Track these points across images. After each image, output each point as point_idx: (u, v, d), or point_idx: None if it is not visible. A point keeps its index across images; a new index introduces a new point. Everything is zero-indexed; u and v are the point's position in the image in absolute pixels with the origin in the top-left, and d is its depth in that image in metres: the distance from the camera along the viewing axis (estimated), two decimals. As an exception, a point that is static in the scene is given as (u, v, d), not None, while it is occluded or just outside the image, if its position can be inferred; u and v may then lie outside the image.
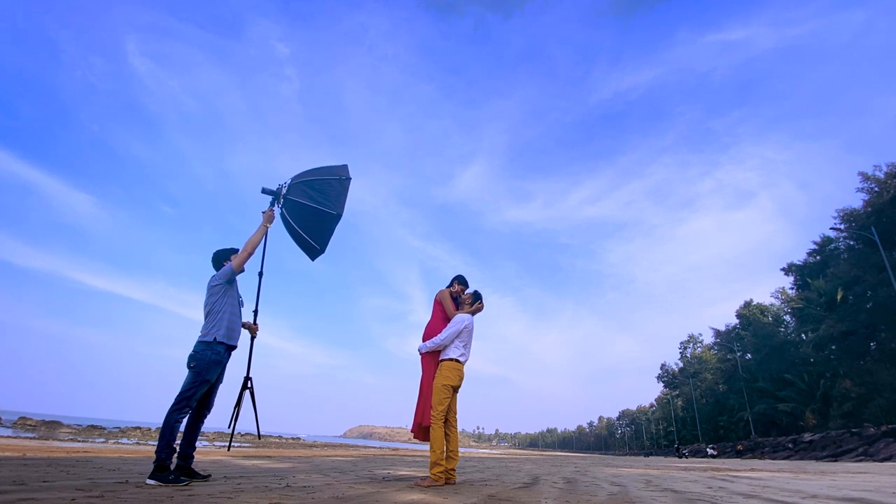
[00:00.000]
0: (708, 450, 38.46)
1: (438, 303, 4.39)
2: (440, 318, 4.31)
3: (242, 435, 38.66)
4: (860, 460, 19.67)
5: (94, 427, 28.51)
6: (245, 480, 3.68)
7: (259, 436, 4.44)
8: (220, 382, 3.64)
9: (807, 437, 29.99)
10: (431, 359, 4.18)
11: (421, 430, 4.12)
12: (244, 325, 3.80)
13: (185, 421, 3.40)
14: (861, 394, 33.23)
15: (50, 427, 27.04)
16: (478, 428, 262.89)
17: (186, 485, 3.10)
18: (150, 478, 3.08)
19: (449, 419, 3.99)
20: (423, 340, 4.25)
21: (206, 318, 3.56)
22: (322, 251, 4.35)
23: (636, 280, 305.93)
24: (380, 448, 34.08)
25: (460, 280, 4.46)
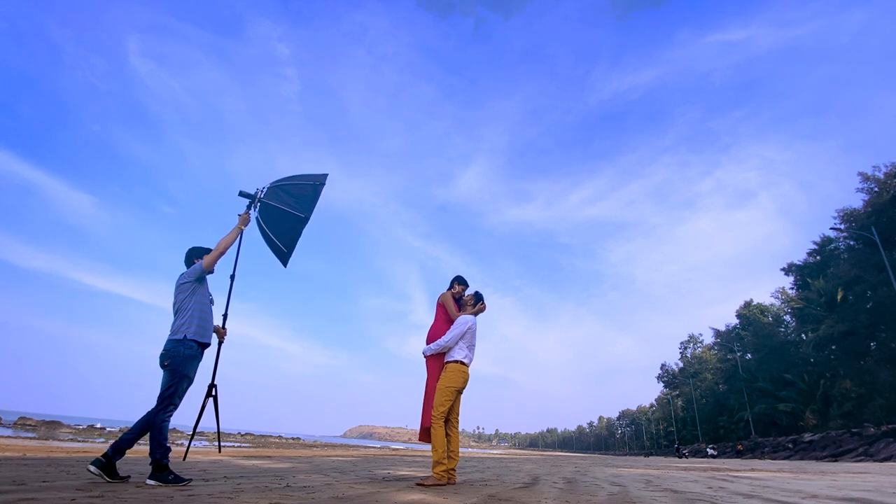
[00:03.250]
0: (708, 450, 38.47)
1: (441, 305, 4.39)
2: (443, 320, 4.32)
3: (242, 435, 38.69)
4: (860, 460, 19.67)
5: (93, 427, 28.52)
6: (245, 480, 3.68)
7: (220, 448, 4.33)
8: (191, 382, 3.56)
9: (807, 437, 30.00)
10: (436, 361, 4.18)
11: (426, 434, 4.12)
12: (214, 329, 3.70)
13: (143, 417, 3.26)
14: (861, 394, 33.23)
15: (50, 427, 27.05)
16: (478, 428, 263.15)
17: (185, 484, 3.08)
18: (150, 478, 3.07)
19: (451, 419, 4.00)
20: (427, 344, 4.25)
21: (175, 315, 3.48)
22: (289, 254, 4.32)
23: (636, 280, 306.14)
24: (380, 448, 34.09)
25: (460, 280, 4.48)
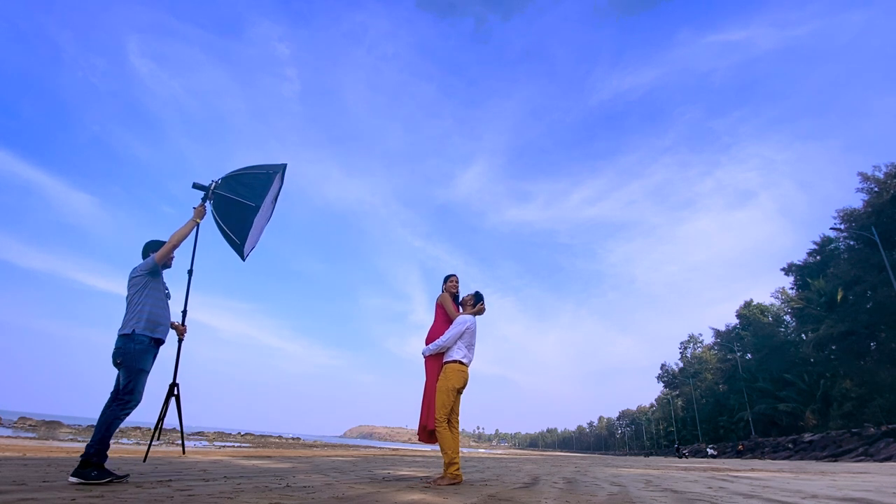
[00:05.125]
0: (708, 450, 38.49)
1: (440, 306, 4.40)
2: (442, 321, 4.33)
3: (242, 435, 38.69)
4: (860, 460, 19.68)
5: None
6: (245, 480, 3.68)
7: (184, 450, 4.22)
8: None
9: (807, 437, 30.01)
10: (435, 362, 4.19)
11: (425, 434, 4.12)
12: (172, 326, 3.58)
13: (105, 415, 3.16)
14: (861, 394, 33.24)
15: (50, 427, 27.05)
16: (478, 428, 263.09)
17: (110, 482, 2.93)
18: (72, 475, 2.91)
19: (451, 420, 3.99)
20: (427, 344, 4.26)
21: (126, 310, 3.36)
22: (242, 245, 4.08)
23: (636, 280, 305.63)
24: (380, 448, 34.09)
25: (447, 278, 4.53)
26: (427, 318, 4.45)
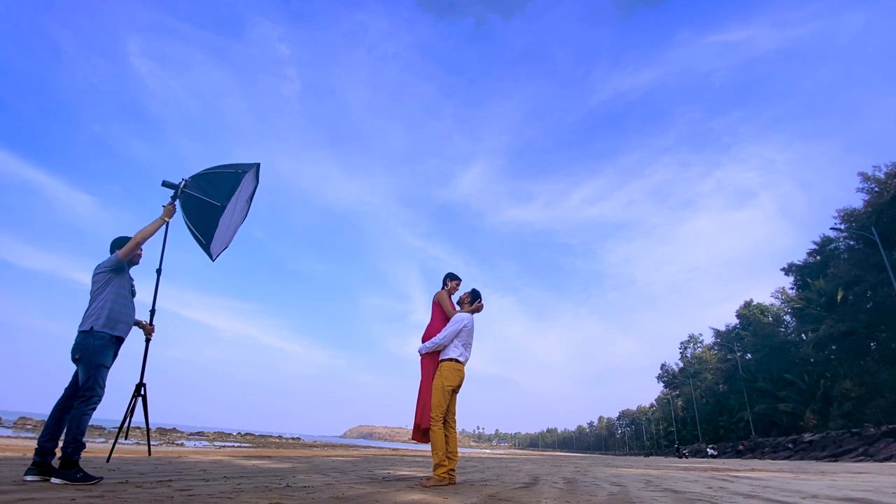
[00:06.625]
0: (708, 450, 38.47)
1: (437, 304, 4.38)
2: (439, 318, 4.31)
3: (242, 435, 38.69)
4: (860, 460, 19.66)
5: (93, 427, 28.49)
6: (245, 480, 3.68)
7: (150, 452, 4.17)
8: None
9: (807, 437, 29.99)
10: (431, 360, 4.18)
11: (419, 432, 4.12)
12: (138, 324, 3.52)
13: (54, 409, 3.14)
14: (861, 394, 33.22)
15: (50, 427, 27.00)
16: (478, 428, 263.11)
17: (95, 483, 2.90)
18: (55, 477, 2.91)
19: (448, 420, 3.98)
20: (423, 342, 4.25)
21: (88, 306, 3.31)
22: (208, 245, 3.97)
23: (636, 280, 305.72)
24: (380, 448, 34.08)
25: (451, 276, 4.47)
26: (427, 318, 4.44)
